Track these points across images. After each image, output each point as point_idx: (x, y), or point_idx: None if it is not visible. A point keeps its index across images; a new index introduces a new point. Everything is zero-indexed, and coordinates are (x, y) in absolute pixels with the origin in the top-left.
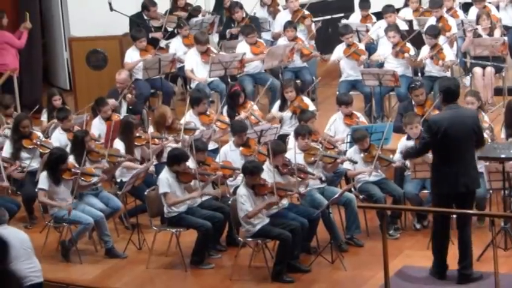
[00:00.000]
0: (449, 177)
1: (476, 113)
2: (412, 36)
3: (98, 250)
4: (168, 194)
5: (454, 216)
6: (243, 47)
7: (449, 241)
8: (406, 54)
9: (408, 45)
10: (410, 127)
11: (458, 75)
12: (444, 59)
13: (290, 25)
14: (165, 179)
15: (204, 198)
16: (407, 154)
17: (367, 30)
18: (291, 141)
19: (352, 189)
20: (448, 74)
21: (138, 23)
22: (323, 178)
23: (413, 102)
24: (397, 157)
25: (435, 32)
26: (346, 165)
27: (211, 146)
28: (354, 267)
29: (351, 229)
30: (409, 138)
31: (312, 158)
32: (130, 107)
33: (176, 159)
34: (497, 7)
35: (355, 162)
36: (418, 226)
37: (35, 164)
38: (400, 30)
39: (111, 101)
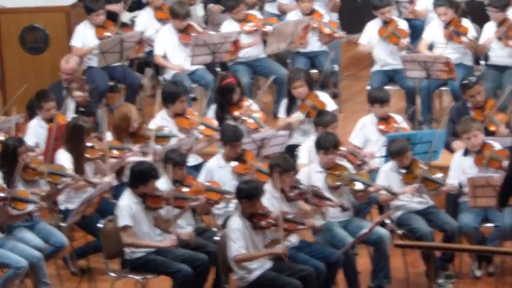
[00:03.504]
0: None
1: None
2: (473, 10)
3: None
4: (130, 229)
5: None
6: (229, 25)
7: None
8: (463, 38)
9: (466, 23)
10: (467, 136)
11: None
12: None
13: None
14: (127, 208)
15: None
16: (503, 197)
17: (411, 2)
18: (303, 155)
19: (388, 221)
20: None
21: None
22: (345, 205)
23: (468, 104)
24: (451, 181)
25: (503, 2)
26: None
27: (193, 160)
28: None
29: (378, 277)
30: (466, 152)
31: (337, 182)
32: (80, 108)
33: (142, 177)
34: None
35: (393, 194)
36: (478, 273)
37: None
38: (454, 3)
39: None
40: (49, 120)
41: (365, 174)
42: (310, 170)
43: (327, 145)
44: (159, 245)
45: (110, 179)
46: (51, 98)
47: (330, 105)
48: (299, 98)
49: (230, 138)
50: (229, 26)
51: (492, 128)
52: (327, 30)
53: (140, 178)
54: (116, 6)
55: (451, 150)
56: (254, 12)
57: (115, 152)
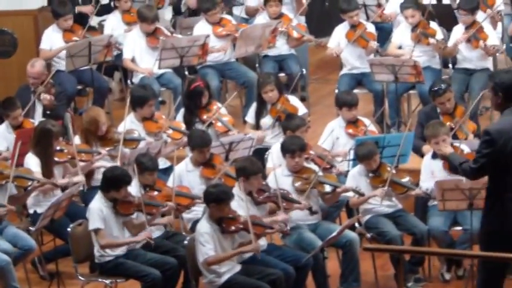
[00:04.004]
0: (503, 209)
1: None
2: (440, 14)
3: None
4: (102, 231)
5: None
6: (202, 27)
7: None
8: (431, 40)
9: (434, 25)
10: (435, 141)
11: (505, 68)
12: (486, 39)
13: None
14: (98, 211)
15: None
16: (455, 168)
17: (379, 5)
18: (272, 158)
19: (357, 224)
20: (490, 63)
21: None
22: (313, 208)
23: (438, 110)
24: (424, 184)
25: (472, 5)
26: (349, 193)
27: (161, 164)
28: None
29: (348, 280)
30: (435, 156)
31: (305, 186)
32: (48, 111)
33: (116, 182)
34: None
35: (361, 194)
36: (448, 277)
37: None
38: (421, 6)
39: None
40: (17, 127)
41: (333, 177)
42: (277, 174)
43: (292, 148)
44: (136, 239)
45: (79, 178)
46: (17, 106)
47: (300, 108)
48: (270, 102)
49: (198, 143)
50: (202, 27)
51: (461, 137)
52: (295, 34)
53: (113, 183)
54: (86, 8)
55: (422, 155)
56: (228, 17)
57: (84, 156)
